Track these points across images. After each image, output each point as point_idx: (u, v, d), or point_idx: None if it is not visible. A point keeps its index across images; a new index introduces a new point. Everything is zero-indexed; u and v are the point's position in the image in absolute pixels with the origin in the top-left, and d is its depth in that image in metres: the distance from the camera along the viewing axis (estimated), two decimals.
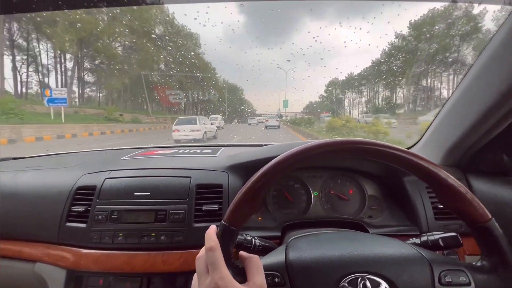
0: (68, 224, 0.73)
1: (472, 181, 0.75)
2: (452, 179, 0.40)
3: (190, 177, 0.77)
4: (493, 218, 0.40)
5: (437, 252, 0.50)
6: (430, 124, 0.88)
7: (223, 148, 1.13)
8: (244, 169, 0.81)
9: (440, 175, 0.40)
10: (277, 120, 14.67)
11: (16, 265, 0.74)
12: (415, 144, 0.97)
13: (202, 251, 0.39)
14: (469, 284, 0.40)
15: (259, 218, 0.84)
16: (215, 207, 0.72)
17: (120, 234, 0.69)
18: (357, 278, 0.41)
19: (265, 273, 0.40)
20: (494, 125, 0.65)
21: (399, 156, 0.41)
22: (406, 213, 0.79)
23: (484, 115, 0.65)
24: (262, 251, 0.54)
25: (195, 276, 0.40)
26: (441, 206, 0.73)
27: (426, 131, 0.90)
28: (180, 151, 1.08)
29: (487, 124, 0.66)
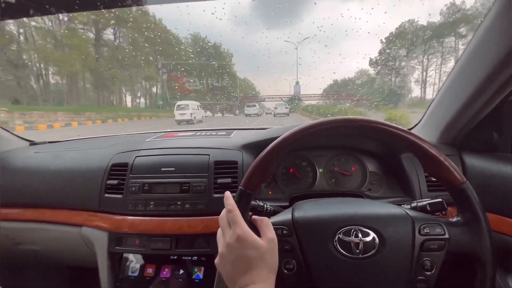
0: (107, 195, 0.85)
1: (465, 157, 0.82)
2: (434, 149, 0.47)
3: (209, 155, 0.87)
4: (467, 181, 0.47)
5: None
6: (429, 106, 0.94)
7: (235, 131, 1.24)
8: (255, 148, 0.90)
9: (424, 147, 0.48)
10: (286, 108, 14.22)
11: (65, 229, 0.89)
12: (415, 125, 1.04)
13: (223, 212, 0.49)
14: (443, 234, 0.48)
15: (270, 192, 0.94)
16: (229, 180, 0.82)
17: (151, 202, 0.81)
18: (351, 229, 0.50)
19: (275, 227, 0.49)
20: (483, 106, 0.72)
21: (391, 131, 0.49)
22: (402, 186, 0.88)
23: (474, 96, 0.71)
24: (272, 214, 0.62)
25: (219, 230, 0.49)
26: (434, 179, 0.81)
27: (425, 112, 0.97)
28: (198, 133, 1.19)
29: (477, 105, 0.72)
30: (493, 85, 0.66)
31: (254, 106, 15.05)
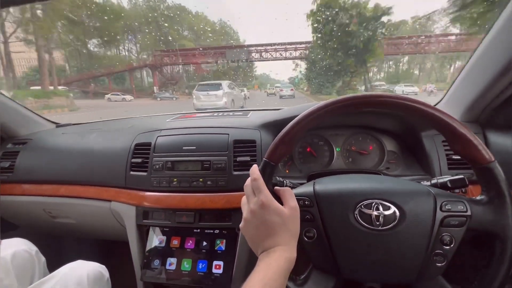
0: (132, 172, 0.90)
1: (489, 134, 0.80)
2: (462, 127, 0.46)
3: (228, 134, 0.89)
4: (495, 160, 0.46)
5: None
6: (453, 82, 0.90)
7: (252, 111, 1.25)
8: (273, 127, 0.91)
9: (453, 124, 0.46)
10: (292, 90, 14.15)
11: (96, 203, 0.95)
12: (438, 102, 1.01)
13: (248, 180, 0.51)
14: (466, 211, 0.48)
15: (287, 171, 0.96)
16: (248, 158, 0.85)
17: (175, 179, 0.85)
18: (372, 202, 0.51)
19: (297, 198, 0.51)
20: (511, 82, 0.68)
21: (416, 107, 0.47)
22: (421, 164, 0.87)
23: (501, 73, 0.68)
24: (292, 189, 0.65)
25: (244, 198, 0.52)
26: (455, 157, 0.80)
27: (449, 89, 0.93)
28: (216, 114, 1.21)
29: (504, 81, 0.69)
30: None
31: (216, 89, 8.37)
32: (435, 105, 1.00)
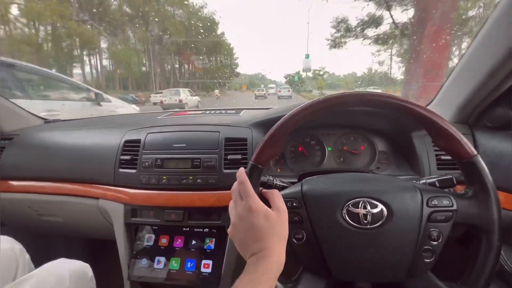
0: (121, 170, 0.89)
1: (477, 135, 0.81)
2: (445, 122, 0.47)
3: (219, 132, 0.88)
4: (478, 154, 0.47)
5: None
6: (443, 84, 0.91)
7: (244, 110, 1.24)
8: (264, 125, 0.91)
9: (435, 120, 0.47)
10: (289, 91, 15.43)
11: (84, 201, 0.93)
12: (428, 104, 1.02)
13: (235, 184, 0.50)
14: (451, 206, 0.48)
15: (278, 170, 0.96)
16: (239, 156, 0.84)
17: (164, 177, 0.84)
18: (359, 201, 0.51)
19: (285, 200, 0.51)
20: (500, 83, 0.70)
21: (402, 105, 0.48)
22: (411, 165, 0.88)
23: (491, 73, 0.69)
24: (281, 189, 0.64)
25: (231, 202, 0.51)
26: (444, 158, 0.80)
27: (439, 90, 0.94)
28: (208, 112, 1.20)
29: (494, 82, 0.70)
30: (511, 62, 0.63)
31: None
32: (425, 106, 1.01)
